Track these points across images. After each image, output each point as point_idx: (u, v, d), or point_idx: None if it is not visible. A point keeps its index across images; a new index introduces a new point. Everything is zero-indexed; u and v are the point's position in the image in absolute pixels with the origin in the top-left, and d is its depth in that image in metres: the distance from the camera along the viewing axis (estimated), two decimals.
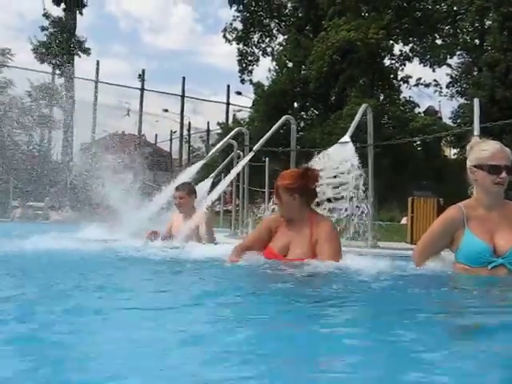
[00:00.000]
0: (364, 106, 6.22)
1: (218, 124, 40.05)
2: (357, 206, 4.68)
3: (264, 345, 1.77)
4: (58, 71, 35.08)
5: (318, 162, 4.75)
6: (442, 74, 44.46)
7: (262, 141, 6.43)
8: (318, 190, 4.19)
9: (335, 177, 4.56)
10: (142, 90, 39.89)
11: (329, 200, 4.61)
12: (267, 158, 10.02)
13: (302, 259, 3.76)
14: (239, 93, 40.56)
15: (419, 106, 35.24)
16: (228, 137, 6.98)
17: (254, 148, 6.44)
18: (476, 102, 5.37)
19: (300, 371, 1.44)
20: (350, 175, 4.38)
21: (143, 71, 40.63)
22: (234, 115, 41.39)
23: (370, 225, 5.30)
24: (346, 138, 5.26)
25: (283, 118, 7.13)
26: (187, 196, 5.91)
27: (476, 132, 5.08)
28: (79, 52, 35.29)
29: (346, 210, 4.40)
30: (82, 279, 3.13)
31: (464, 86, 33.30)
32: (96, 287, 2.77)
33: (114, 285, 2.95)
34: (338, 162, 4.61)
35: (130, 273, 3.52)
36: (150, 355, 1.55)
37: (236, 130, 7.47)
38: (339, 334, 1.92)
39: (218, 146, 6.98)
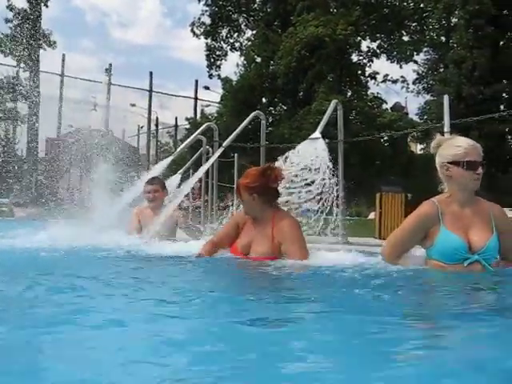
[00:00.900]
0: (334, 101, 6.20)
1: (186, 119, 39.82)
2: (324, 202, 4.63)
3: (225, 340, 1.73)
4: (22, 64, 34.44)
5: (288, 158, 4.71)
6: (409, 71, 45.04)
7: (231, 136, 6.36)
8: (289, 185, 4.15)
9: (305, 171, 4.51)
10: (109, 84, 39.41)
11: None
12: (236, 154, 9.93)
13: (263, 258, 3.72)
14: (207, 88, 40.38)
15: (386, 102, 35.65)
16: (197, 132, 6.89)
17: (224, 144, 6.36)
18: (446, 98, 5.38)
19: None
20: (321, 171, 4.34)
21: (110, 65, 40.16)
22: (202, 110, 41.19)
23: (340, 221, 5.27)
24: (317, 133, 5.22)
25: (253, 113, 7.06)
26: (161, 190, 5.81)
27: (446, 128, 5.08)
28: (44, 45, 34.64)
29: (318, 202, 4.35)
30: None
31: (430, 82, 33.67)
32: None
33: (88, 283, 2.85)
34: (309, 158, 4.56)
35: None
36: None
37: (205, 125, 7.37)
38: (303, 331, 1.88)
39: (187, 141, 6.87)
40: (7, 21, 33.92)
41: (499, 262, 3.35)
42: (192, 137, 6.84)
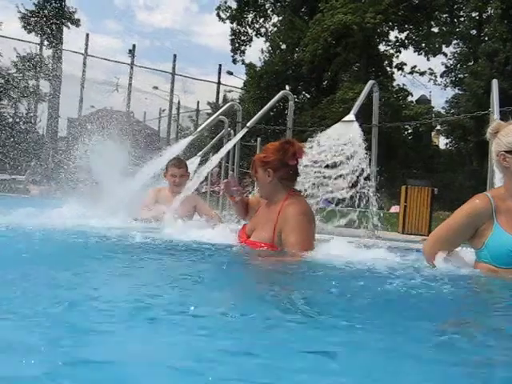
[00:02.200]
0: (371, 82, 5.78)
1: (208, 104, 39.45)
2: (358, 193, 4.23)
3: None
4: (46, 42, 34.25)
5: (318, 141, 4.30)
6: (437, 63, 44.29)
7: (256, 117, 5.98)
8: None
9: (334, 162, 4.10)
10: (132, 65, 39.05)
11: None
12: (259, 138, 9.52)
13: (263, 244, 3.38)
14: (230, 73, 39.93)
15: (412, 95, 34.92)
16: (220, 111, 6.52)
17: (249, 124, 5.98)
18: (495, 82, 4.94)
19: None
20: (356, 158, 3.93)
21: (134, 46, 39.71)
22: (225, 95, 40.77)
23: (371, 213, 4.85)
24: (351, 116, 4.81)
25: (281, 92, 6.66)
26: (187, 173, 5.48)
27: (496, 115, 4.66)
28: (68, 23, 34.37)
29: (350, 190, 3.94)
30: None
31: (459, 75, 32.94)
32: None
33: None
34: (342, 143, 4.15)
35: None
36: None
37: (228, 104, 7.01)
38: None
39: (209, 120, 6.51)
40: None
41: None
42: (214, 115, 6.47)
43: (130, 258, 2.98)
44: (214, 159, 5.52)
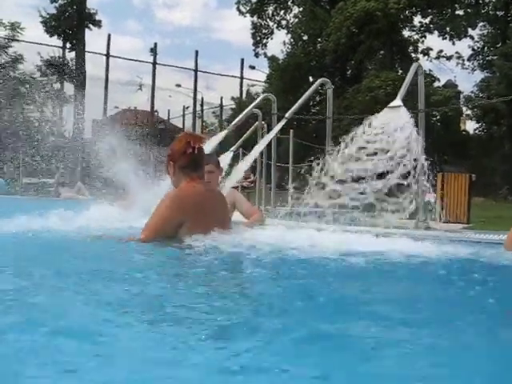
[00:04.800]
0: (415, 64, 5.53)
1: (232, 99, 39.28)
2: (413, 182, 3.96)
3: None
4: (68, 45, 34.40)
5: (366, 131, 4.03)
6: (463, 47, 43.44)
7: (294, 107, 5.73)
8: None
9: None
10: (155, 64, 38.99)
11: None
12: (291, 130, 9.20)
13: None
14: (253, 67, 39.70)
15: (439, 80, 34.24)
16: (254, 103, 6.29)
17: (287, 115, 5.73)
18: None
19: None
20: (412, 145, 3.65)
21: (155, 45, 39.65)
22: (248, 90, 40.57)
23: (422, 202, 4.58)
24: (398, 101, 4.50)
25: (319, 80, 6.44)
26: (217, 169, 5.09)
27: None
28: (90, 25, 34.45)
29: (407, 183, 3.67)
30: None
31: (487, 58, 32.17)
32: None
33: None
34: (391, 130, 3.88)
35: None
36: None
37: (263, 95, 6.80)
38: None
39: (244, 113, 6.23)
40: (53, 1, 33.84)
41: None
42: (249, 108, 6.24)
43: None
44: (252, 154, 5.25)
